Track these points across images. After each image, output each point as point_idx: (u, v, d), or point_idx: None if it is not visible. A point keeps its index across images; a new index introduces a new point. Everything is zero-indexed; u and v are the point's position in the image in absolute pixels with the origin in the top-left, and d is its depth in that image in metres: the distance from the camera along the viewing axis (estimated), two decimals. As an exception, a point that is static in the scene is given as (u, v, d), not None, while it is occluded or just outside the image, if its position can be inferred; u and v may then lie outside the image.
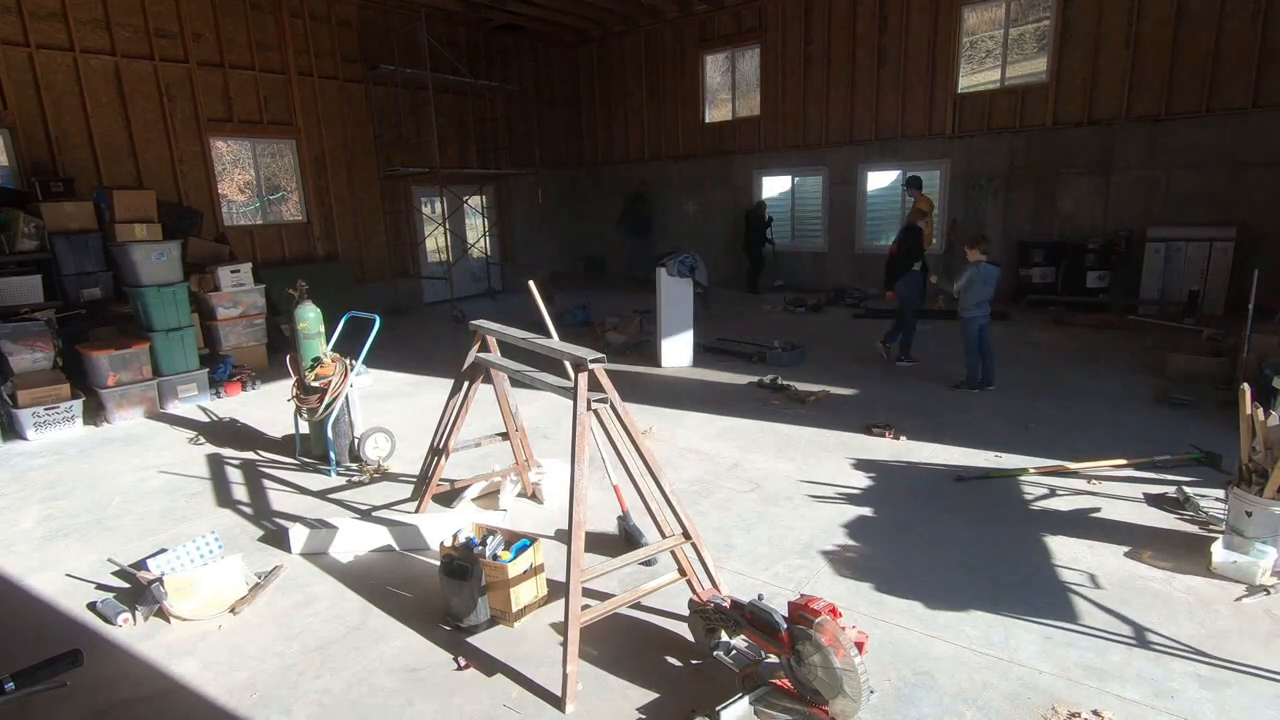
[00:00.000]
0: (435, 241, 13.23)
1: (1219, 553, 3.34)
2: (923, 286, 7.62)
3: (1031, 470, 4.56)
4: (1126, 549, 3.59)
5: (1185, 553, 3.52)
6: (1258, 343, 5.96)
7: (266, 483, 4.89)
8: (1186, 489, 4.10)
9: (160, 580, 3.27)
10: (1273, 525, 3.26)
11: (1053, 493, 4.27)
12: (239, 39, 9.80)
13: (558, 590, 3.25)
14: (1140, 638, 2.88)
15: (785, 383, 6.78)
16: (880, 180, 12.28)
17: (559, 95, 15.20)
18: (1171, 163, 9.56)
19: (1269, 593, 3.15)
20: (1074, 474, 4.51)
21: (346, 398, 5.00)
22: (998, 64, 10.98)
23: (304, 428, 5.26)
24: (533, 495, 4.50)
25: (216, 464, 5.28)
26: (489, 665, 2.85)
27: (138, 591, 3.40)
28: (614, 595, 3.12)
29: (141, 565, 3.63)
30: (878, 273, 12.29)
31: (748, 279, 12.93)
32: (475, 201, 13.72)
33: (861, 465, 4.82)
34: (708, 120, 13.97)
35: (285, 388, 6.26)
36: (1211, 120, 9.22)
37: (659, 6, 12.88)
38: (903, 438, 5.25)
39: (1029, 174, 10.67)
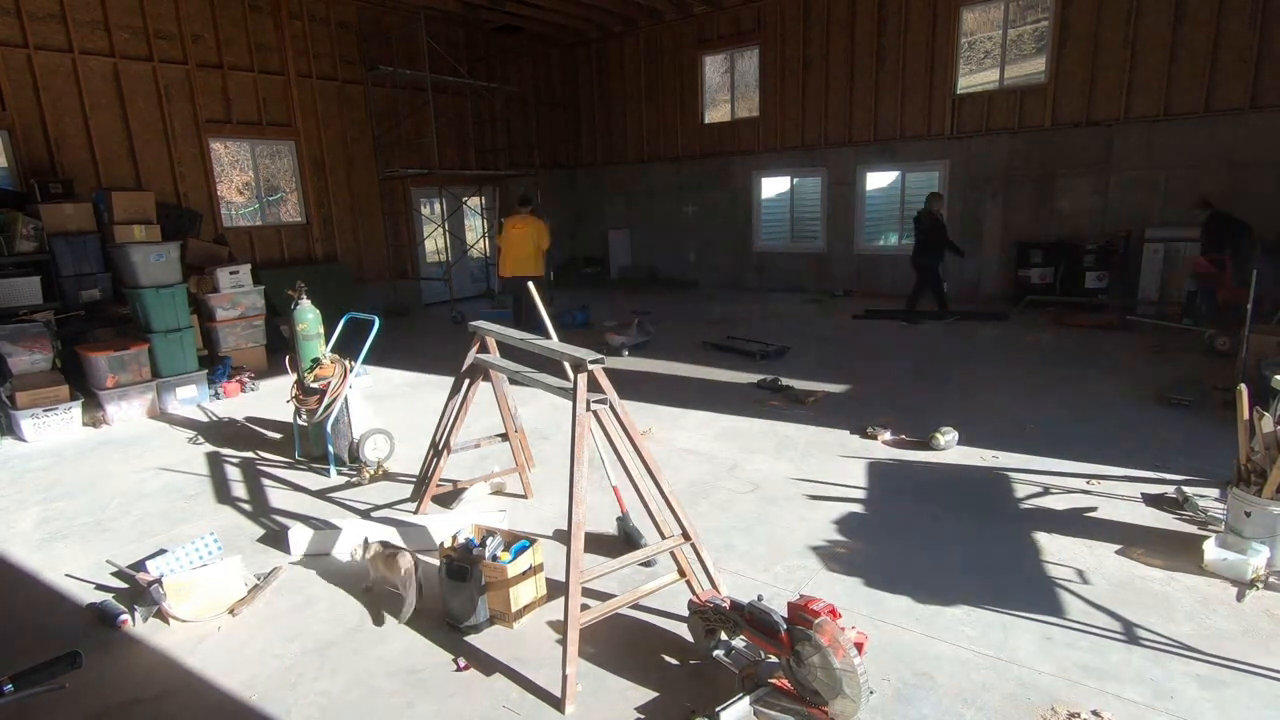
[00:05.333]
0: (434, 243, 13.24)
1: (1211, 550, 3.35)
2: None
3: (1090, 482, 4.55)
4: (1120, 547, 3.59)
5: (1181, 552, 3.52)
6: (1256, 343, 5.96)
7: (266, 483, 4.89)
8: (1185, 489, 4.10)
9: (159, 582, 3.27)
10: (1270, 525, 3.27)
11: (1044, 490, 4.28)
12: (238, 40, 9.81)
13: (557, 590, 3.25)
14: (1140, 637, 2.88)
15: (785, 383, 6.78)
16: (879, 181, 12.30)
17: (558, 96, 15.21)
18: (1170, 163, 9.58)
19: (1257, 587, 3.15)
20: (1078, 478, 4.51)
21: (345, 399, 5.00)
22: (996, 65, 11.01)
23: (303, 428, 5.26)
24: (532, 496, 4.50)
25: (216, 465, 5.28)
26: (488, 666, 2.85)
27: (137, 593, 3.39)
28: (614, 596, 3.12)
29: (140, 567, 3.62)
30: (878, 274, 12.35)
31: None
32: (474, 202, 13.73)
33: (861, 466, 4.82)
34: (706, 121, 13.98)
35: (284, 388, 6.26)
36: (1210, 121, 9.24)
37: (657, 8, 12.89)
38: (902, 437, 5.25)
39: (1028, 175, 10.69)
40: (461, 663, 2.87)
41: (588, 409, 2.88)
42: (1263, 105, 8.87)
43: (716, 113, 14.05)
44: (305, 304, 5.14)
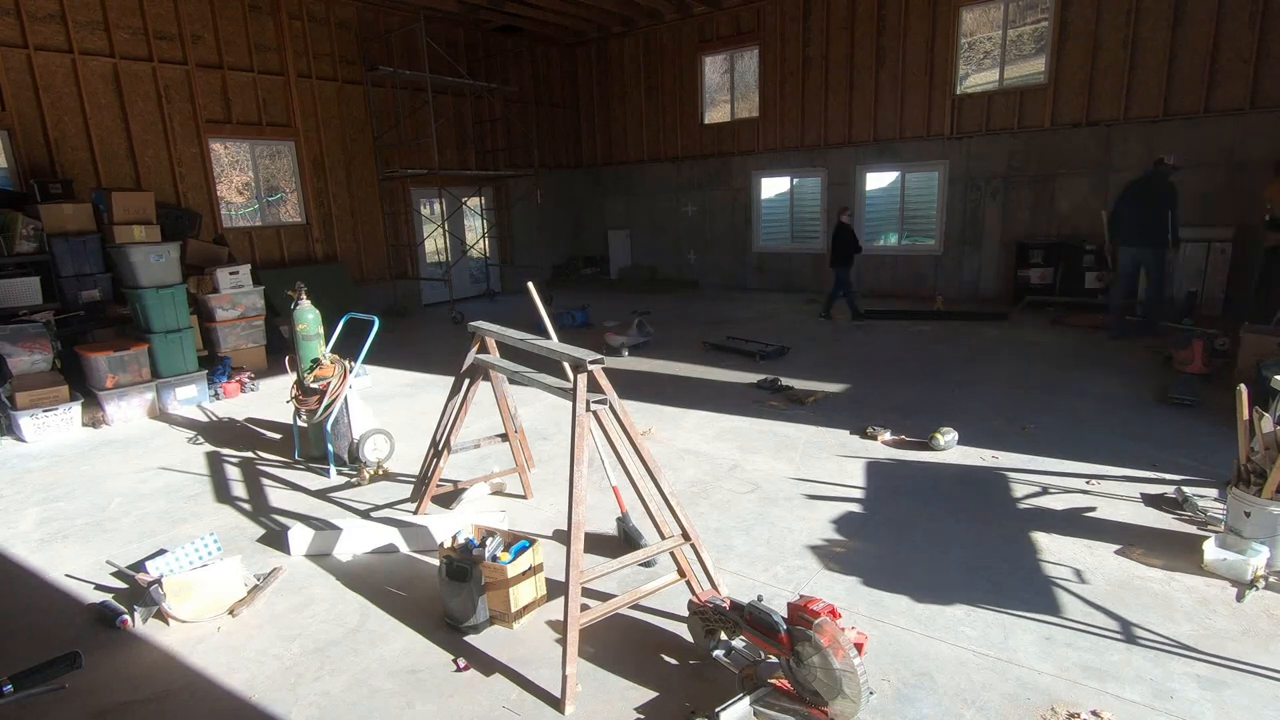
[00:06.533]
0: (434, 243, 13.25)
1: (1210, 550, 3.35)
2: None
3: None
4: (1119, 547, 3.59)
5: (1181, 552, 3.52)
6: (1256, 343, 5.96)
7: (265, 484, 4.89)
8: (1185, 489, 4.10)
9: (159, 582, 3.27)
10: (1270, 525, 3.27)
11: (1044, 490, 4.28)
12: (237, 40, 9.81)
13: (557, 590, 3.26)
14: (1139, 638, 2.88)
15: (785, 383, 6.78)
16: (879, 181, 12.30)
17: (558, 97, 15.21)
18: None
19: (1257, 587, 3.15)
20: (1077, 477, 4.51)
21: (345, 399, 5.00)
22: (996, 65, 11.01)
23: (303, 429, 5.26)
24: (532, 496, 4.50)
25: (215, 465, 5.28)
26: (488, 666, 2.85)
27: (137, 593, 3.40)
28: (614, 596, 3.12)
29: (140, 567, 3.62)
30: (878, 274, 12.34)
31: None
32: (474, 203, 13.73)
33: (860, 466, 4.82)
34: (706, 121, 13.99)
35: (284, 389, 6.26)
36: (1209, 121, 9.24)
37: (657, 8, 12.89)
38: (902, 437, 5.25)
39: (1027, 175, 10.69)
40: (461, 663, 2.87)
41: (588, 409, 2.88)
42: (1263, 105, 8.87)
43: (716, 113, 14.05)
44: (305, 304, 5.14)
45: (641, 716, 2.54)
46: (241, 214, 11.38)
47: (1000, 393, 6.36)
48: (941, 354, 7.93)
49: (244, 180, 11.46)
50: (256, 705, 2.69)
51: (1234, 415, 3.54)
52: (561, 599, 2.76)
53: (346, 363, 5.12)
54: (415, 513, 4.19)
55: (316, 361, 5.10)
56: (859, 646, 2.37)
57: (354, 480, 4.85)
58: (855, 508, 4.19)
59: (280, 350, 8.08)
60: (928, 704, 2.54)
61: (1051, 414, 5.73)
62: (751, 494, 4.43)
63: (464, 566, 3.03)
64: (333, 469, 4.97)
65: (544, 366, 3.71)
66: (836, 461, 4.91)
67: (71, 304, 7.26)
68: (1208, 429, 5.22)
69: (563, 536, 3.91)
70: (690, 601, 2.91)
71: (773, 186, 13.47)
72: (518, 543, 3.23)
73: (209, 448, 5.70)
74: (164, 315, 6.80)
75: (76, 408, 6.19)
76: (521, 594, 3.12)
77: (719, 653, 2.83)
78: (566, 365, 3.27)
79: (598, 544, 3.82)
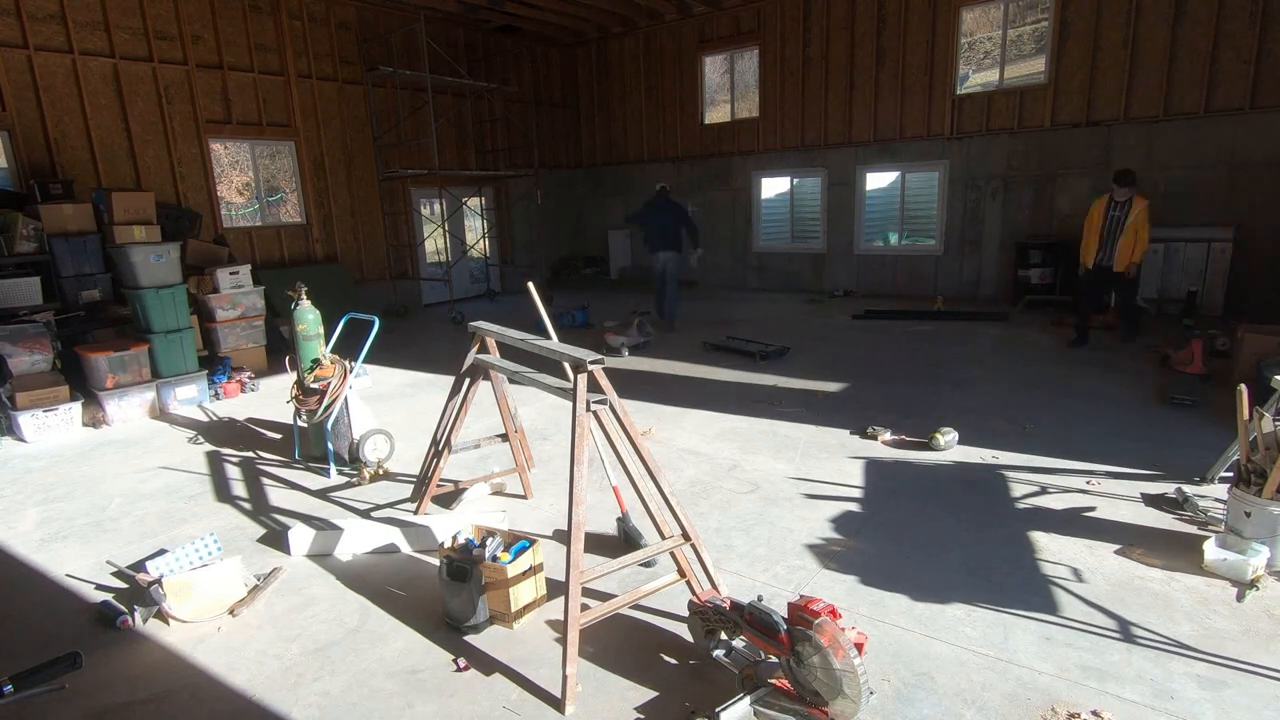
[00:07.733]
0: (434, 243, 13.24)
1: (1211, 550, 3.35)
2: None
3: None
4: (1119, 547, 3.59)
5: (1181, 552, 3.52)
6: (1256, 343, 5.96)
7: (266, 483, 4.89)
8: (1185, 489, 4.10)
9: (159, 582, 3.27)
10: (1271, 525, 3.27)
11: (1044, 490, 4.28)
12: (237, 41, 9.81)
13: (557, 590, 3.26)
14: (1139, 638, 2.88)
15: (786, 384, 6.78)
16: (879, 181, 12.30)
17: (558, 97, 15.22)
18: (1170, 163, 9.58)
19: (1256, 588, 3.15)
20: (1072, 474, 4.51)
21: (345, 399, 5.00)
22: (996, 65, 11.01)
23: (303, 429, 5.26)
24: (532, 496, 4.50)
25: (216, 466, 5.28)
26: (488, 666, 2.85)
27: (137, 593, 3.40)
28: (614, 596, 3.12)
29: (140, 567, 3.62)
30: (877, 274, 12.35)
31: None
32: (474, 203, 13.73)
33: (860, 466, 4.82)
34: (706, 121, 13.98)
35: (284, 389, 6.26)
36: (1209, 121, 9.24)
37: (657, 8, 12.89)
38: (902, 437, 5.26)
39: (1027, 175, 10.69)
40: (461, 663, 2.87)
41: (588, 409, 2.88)
42: (1263, 105, 8.87)
43: (716, 113, 14.05)
44: (305, 304, 5.13)
45: (641, 716, 2.54)
46: (241, 214, 11.39)
47: (1000, 393, 6.35)
48: (942, 354, 7.92)
49: (244, 180, 11.46)
50: (257, 705, 2.69)
51: (1234, 415, 3.55)
52: (561, 599, 2.76)
53: (346, 363, 5.12)
54: (415, 513, 4.19)
55: (316, 361, 5.10)
56: (859, 646, 2.37)
57: (354, 480, 4.85)
58: (855, 507, 4.19)
59: (280, 350, 8.08)
60: (928, 704, 2.54)
61: (1052, 414, 5.73)
62: (751, 494, 4.43)
63: (464, 566, 3.03)
64: (333, 469, 4.98)
65: (544, 366, 3.71)
66: (837, 461, 4.91)
67: (71, 304, 7.26)
68: (1208, 429, 5.22)
69: (563, 536, 3.91)
70: (690, 601, 2.91)
71: (773, 186, 13.46)
72: (518, 543, 3.23)
73: (209, 447, 5.70)
74: (164, 315, 6.81)
75: (77, 408, 6.19)
76: (521, 594, 3.12)
77: (719, 653, 2.83)
78: (566, 365, 3.27)
79: (598, 544, 3.82)
